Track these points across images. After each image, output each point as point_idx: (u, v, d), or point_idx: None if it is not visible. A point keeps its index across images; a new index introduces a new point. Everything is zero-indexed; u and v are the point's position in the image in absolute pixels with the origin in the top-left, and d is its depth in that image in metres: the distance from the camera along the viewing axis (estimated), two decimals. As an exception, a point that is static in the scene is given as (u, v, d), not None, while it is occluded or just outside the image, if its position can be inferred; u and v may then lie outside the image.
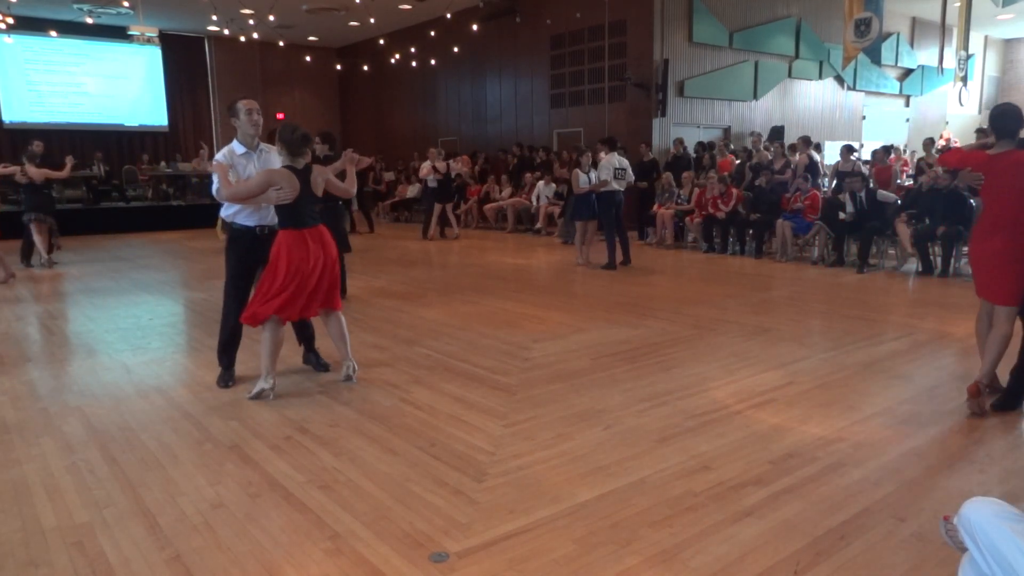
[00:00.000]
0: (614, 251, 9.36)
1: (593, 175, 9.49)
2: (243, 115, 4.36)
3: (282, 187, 4.07)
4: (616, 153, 9.45)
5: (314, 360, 4.92)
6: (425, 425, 3.82)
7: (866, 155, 14.63)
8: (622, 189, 9.44)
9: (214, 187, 4.29)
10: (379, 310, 6.89)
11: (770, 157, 12.02)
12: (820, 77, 16.60)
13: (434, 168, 12.71)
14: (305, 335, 4.94)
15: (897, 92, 18.46)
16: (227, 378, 4.58)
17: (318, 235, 4.27)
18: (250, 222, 4.42)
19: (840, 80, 17.03)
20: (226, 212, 4.46)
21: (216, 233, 11.63)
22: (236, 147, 4.41)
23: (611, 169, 9.23)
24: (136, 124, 19.38)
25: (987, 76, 21.24)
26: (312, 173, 4.24)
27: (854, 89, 17.38)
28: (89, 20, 15.91)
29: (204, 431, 3.78)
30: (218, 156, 4.35)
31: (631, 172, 9.77)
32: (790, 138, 13.85)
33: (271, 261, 4.21)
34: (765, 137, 14.53)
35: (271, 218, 4.39)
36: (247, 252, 4.44)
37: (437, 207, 13.16)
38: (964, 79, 15.01)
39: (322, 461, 3.37)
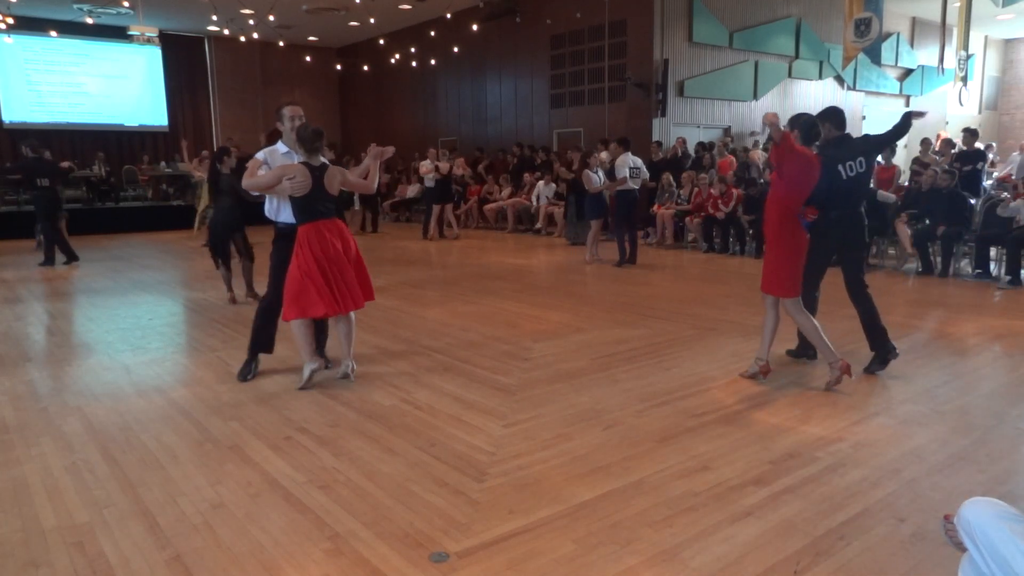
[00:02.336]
0: (624, 247, 9.55)
1: (602, 174, 9.66)
2: (287, 121, 4.65)
3: (295, 177, 4.33)
4: (629, 152, 9.60)
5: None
6: (425, 425, 3.82)
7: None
8: (637, 188, 9.69)
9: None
10: (379, 310, 6.89)
11: (765, 157, 12.03)
12: (820, 77, 16.59)
13: (436, 167, 12.69)
14: (318, 337, 4.91)
15: (897, 92, 18.45)
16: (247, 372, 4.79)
17: (335, 227, 4.48)
18: (293, 220, 4.64)
19: (840, 80, 17.02)
20: (270, 212, 4.72)
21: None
22: (280, 147, 4.72)
23: (627, 168, 9.42)
24: (136, 124, 19.38)
25: (987, 76, 21.22)
26: (327, 171, 4.46)
27: (854, 89, 17.37)
28: (89, 20, 15.91)
29: (204, 431, 3.78)
30: (259, 154, 4.68)
31: (645, 171, 9.97)
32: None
33: (293, 258, 4.43)
34: (764, 138, 14.53)
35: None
36: (291, 247, 4.61)
37: (435, 207, 13.10)
38: (964, 79, 14.99)
39: (322, 461, 3.37)
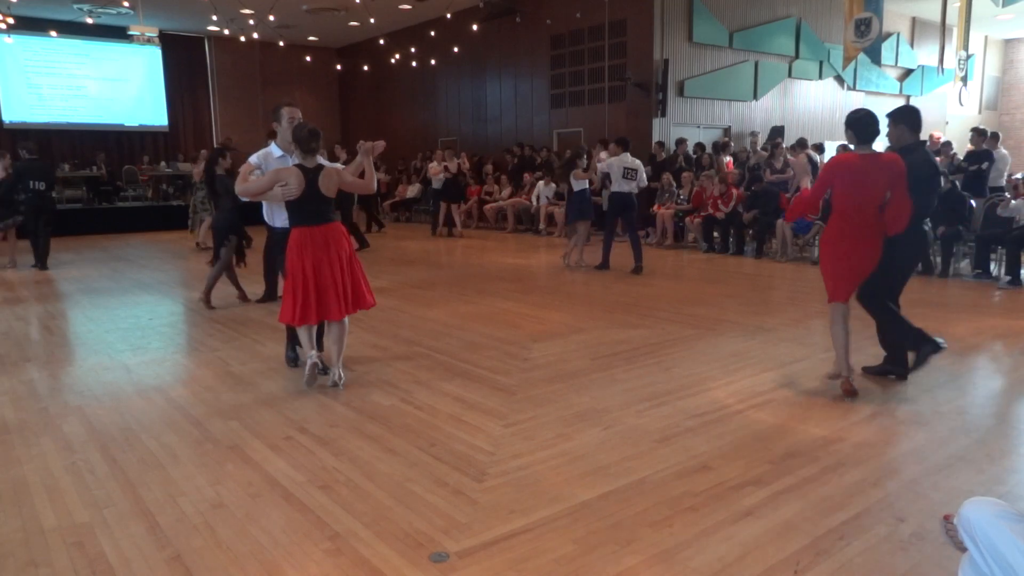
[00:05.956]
0: (608, 252, 9.14)
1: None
2: (285, 121, 4.53)
3: (287, 183, 4.19)
4: (627, 153, 8.92)
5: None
6: (425, 425, 3.82)
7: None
8: (634, 191, 8.91)
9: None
10: (379, 310, 6.88)
11: (766, 155, 12.03)
12: (820, 77, 16.59)
13: (446, 168, 12.88)
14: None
15: (897, 92, 18.44)
16: (294, 358, 4.95)
17: (329, 232, 4.34)
18: (287, 224, 4.54)
19: (840, 80, 17.02)
20: (268, 218, 4.73)
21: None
22: (274, 150, 4.60)
23: (621, 169, 8.76)
24: (136, 124, 19.37)
25: (987, 76, 21.21)
26: (322, 173, 4.32)
27: (854, 89, 17.36)
28: (89, 20, 15.92)
29: (204, 431, 3.78)
30: (252, 158, 4.57)
31: (643, 173, 9.10)
32: (790, 138, 13.84)
33: (286, 261, 4.34)
34: (765, 138, 14.53)
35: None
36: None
37: (443, 205, 13.36)
38: (964, 79, 14.98)
39: (322, 461, 3.37)
